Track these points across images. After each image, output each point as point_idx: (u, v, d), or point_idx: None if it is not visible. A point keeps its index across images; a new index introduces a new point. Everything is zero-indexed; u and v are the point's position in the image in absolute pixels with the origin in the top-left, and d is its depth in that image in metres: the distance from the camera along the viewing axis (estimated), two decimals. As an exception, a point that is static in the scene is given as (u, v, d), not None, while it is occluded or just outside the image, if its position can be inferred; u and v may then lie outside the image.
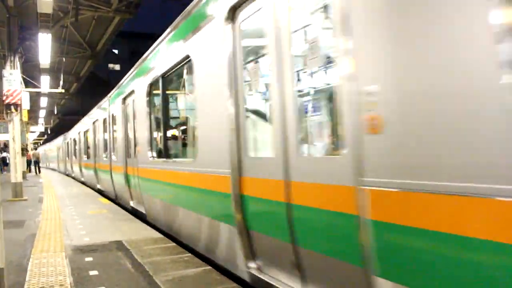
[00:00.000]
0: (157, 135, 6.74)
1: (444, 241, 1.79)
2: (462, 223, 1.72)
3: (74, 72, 22.80)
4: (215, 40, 3.95)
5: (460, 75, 1.71)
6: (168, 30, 5.57)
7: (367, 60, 2.18)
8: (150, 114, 6.79)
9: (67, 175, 26.44)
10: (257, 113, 3.81)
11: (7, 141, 18.56)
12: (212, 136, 4.12)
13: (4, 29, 12.57)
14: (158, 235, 6.00)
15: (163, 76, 5.90)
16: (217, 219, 4.14)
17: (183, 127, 5.90)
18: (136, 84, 7.58)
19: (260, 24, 3.24)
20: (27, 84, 16.42)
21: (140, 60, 7.37)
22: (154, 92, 6.61)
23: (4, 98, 11.27)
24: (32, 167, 29.58)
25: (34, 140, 45.36)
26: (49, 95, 22.49)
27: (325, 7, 2.91)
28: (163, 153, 6.27)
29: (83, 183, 17.95)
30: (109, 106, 10.91)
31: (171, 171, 5.54)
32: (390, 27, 2.04)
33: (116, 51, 54.36)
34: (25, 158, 22.65)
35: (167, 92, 6.22)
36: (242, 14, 3.51)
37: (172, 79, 6.05)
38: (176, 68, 5.44)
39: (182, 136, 5.98)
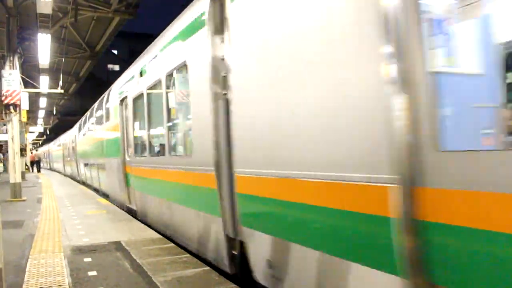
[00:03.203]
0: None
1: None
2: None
3: (74, 72, 22.79)
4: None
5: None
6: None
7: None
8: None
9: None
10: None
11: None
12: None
13: (3, 29, 12.56)
14: (156, 235, 6.00)
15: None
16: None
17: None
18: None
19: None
20: (26, 84, 16.37)
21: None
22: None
23: (3, 98, 11.27)
24: (32, 167, 33.34)
25: (33, 140, 45.05)
26: (48, 95, 22.44)
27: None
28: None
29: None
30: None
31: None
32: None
33: (115, 52, 54.34)
34: (23, 159, 22.81)
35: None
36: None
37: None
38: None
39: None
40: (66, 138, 25.95)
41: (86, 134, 15.55)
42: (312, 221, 2.76)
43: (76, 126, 19.98)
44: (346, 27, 2.39)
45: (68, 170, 25.11)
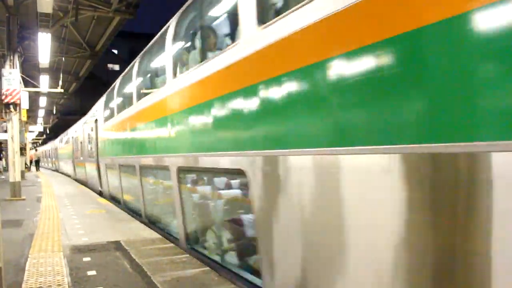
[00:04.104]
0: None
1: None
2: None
3: (74, 72, 22.81)
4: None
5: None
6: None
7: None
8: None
9: None
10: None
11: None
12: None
13: (3, 28, 12.57)
14: (156, 235, 6.00)
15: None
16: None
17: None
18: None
19: None
20: (26, 83, 16.40)
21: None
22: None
23: (3, 97, 11.27)
24: (33, 166, 35.43)
25: (32, 139, 45.08)
26: (48, 94, 22.48)
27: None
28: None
29: None
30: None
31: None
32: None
33: (115, 51, 54.33)
34: (23, 158, 22.93)
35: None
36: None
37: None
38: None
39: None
40: (77, 129, 18.52)
41: (131, 110, 7.82)
42: None
43: (99, 105, 12.49)
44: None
45: (81, 175, 17.81)
